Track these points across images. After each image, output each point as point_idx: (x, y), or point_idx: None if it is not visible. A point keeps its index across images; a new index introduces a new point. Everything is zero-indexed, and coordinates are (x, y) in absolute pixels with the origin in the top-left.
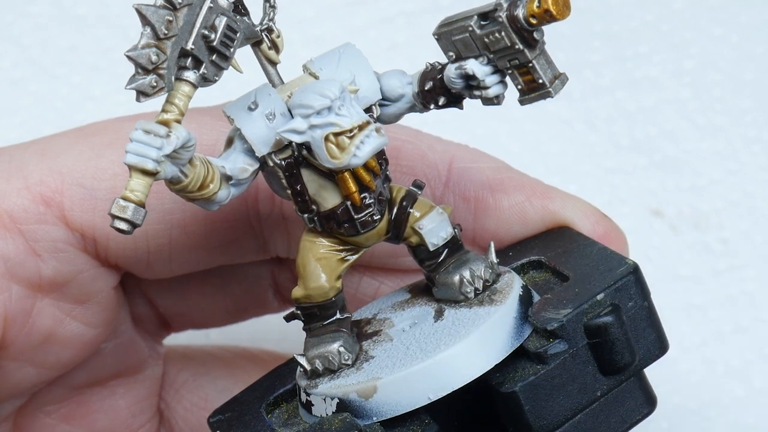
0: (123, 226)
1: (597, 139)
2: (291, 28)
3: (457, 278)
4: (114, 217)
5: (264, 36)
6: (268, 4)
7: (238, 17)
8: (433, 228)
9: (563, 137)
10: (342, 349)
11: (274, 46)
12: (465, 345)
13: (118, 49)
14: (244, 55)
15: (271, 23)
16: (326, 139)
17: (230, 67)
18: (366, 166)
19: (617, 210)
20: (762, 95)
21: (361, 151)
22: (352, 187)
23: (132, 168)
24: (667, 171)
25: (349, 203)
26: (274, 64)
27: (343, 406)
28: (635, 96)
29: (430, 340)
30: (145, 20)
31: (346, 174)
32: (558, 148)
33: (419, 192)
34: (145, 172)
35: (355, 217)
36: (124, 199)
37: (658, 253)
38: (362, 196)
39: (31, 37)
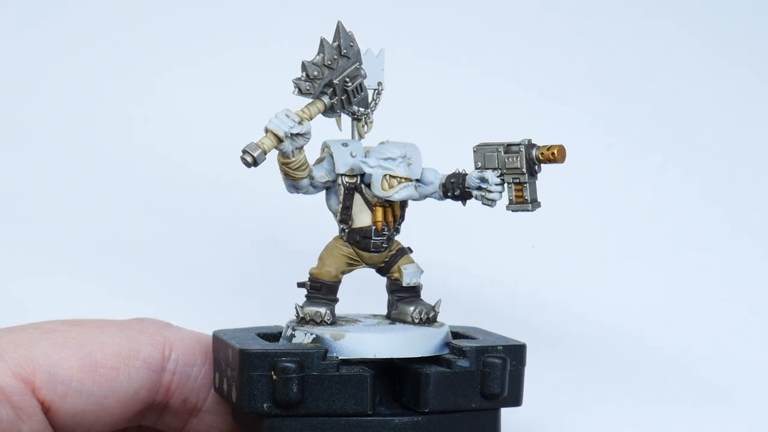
0: (248, 158)
1: None
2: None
3: (412, 308)
4: (245, 151)
5: (364, 116)
6: (375, 92)
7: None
8: (412, 272)
9: None
10: (328, 312)
11: (367, 125)
12: (410, 334)
13: None
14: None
15: (375, 106)
16: (383, 176)
17: (336, 120)
18: (393, 209)
19: None
20: None
21: (399, 193)
22: (380, 217)
23: (269, 130)
24: None
25: (373, 228)
26: (360, 137)
27: (317, 340)
28: None
29: (386, 327)
30: (322, 49)
31: (380, 208)
32: None
33: (410, 252)
34: (276, 136)
35: (372, 239)
36: (257, 145)
37: None
38: (383, 226)
39: None
